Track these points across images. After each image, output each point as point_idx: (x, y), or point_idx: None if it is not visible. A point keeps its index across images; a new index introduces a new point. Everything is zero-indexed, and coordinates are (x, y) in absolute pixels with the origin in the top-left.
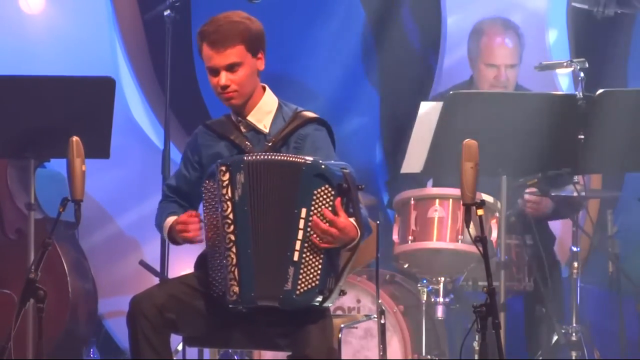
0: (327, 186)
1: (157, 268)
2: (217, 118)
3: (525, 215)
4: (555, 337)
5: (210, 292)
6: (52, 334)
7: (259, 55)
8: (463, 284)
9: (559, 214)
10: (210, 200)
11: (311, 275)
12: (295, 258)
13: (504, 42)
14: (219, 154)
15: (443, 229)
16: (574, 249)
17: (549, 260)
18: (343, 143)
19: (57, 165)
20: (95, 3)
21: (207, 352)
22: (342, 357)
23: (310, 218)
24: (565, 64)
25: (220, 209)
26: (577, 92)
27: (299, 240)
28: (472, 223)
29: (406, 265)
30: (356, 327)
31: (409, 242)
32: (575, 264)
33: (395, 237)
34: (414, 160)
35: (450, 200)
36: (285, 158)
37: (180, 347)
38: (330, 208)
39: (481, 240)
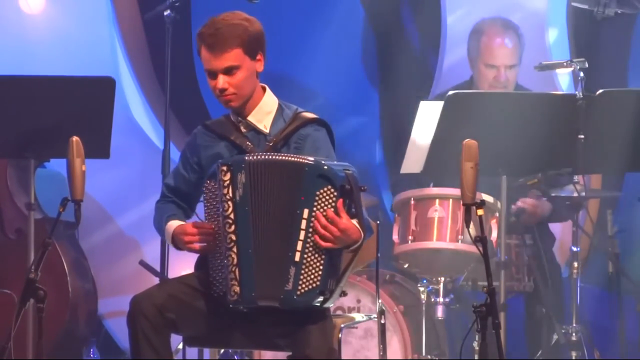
0: (329, 187)
1: (157, 268)
2: (216, 118)
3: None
4: (555, 337)
5: (210, 292)
6: (52, 334)
7: (258, 57)
8: (463, 284)
9: (558, 216)
10: (211, 201)
11: (312, 276)
12: (297, 258)
13: (503, 42)
14: (219, 155)
15: (443, 229)
16: (574, 249)
17: (548, 260)
18: (343, 143)
19: (57, 165)
20: (95, 3)
21: (207, 352)
22: (342, 357)
23: (313, 219)
24: (565, 64)
25: (221, 209)
26: (577, 92)
27: (301, 240)
28: (472, 223)
29: (406, 265)
30: (356, 327)
31: (409, 242)
32: (575, 264)
33: (395, 237)
34: (414, 160)
35: (450, 200)
36: (288, 158)
37: (180, 347)
38: (332, 209)
39: (481, 240)
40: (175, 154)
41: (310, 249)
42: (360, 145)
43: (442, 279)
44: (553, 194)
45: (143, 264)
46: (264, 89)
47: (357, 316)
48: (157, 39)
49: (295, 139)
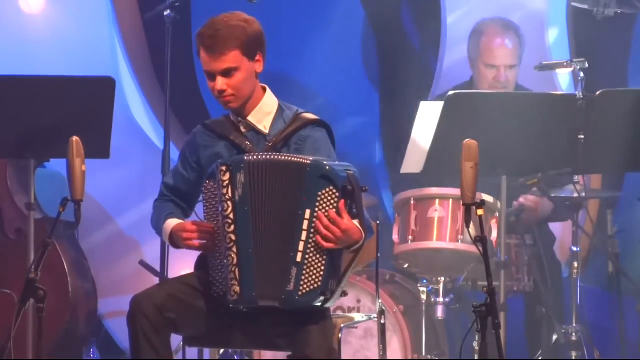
0: (331, 187)
1: (157, 268)
2: (216, 118)
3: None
4: (555, 337)
5: (210, 292)
6: (52, 334)
7: (257, 58)
8: (463, 284)
9: (558, 216)
10: (211, 201)
11: (314, 276)
12: (298, 259)
13: (503, 42)
14: (218, 154)
15: (443, 229)
16: (574, 249)
17: (549, 260)
18: (343, 143)
19: (57, 165)
20: (95, 3)
21: (207, 352)
22: (342, 357)
23: (314, 219)
24: (565, 64)
25: (220, 209)
26: (577, 92)
27: (302, 241)
28: (472, 223)
29: (406, 265)
30: (356, 327)
31: (409, 242)
32: (575, 264)
33: (395, 237)
34: (414, 160)
35: (450, 200)
36: (288, 158)
37: (180, 347)
38: (334, 209)
39: (481, 240)
40: (175, 154)
41: (312, 249)
42: (360, 145)
43: (442, 279)
44: (553, 194)
45: (143, 264)
46: (264, 90)
47: (357, 316)
48: (157, 39)
49: (296, 140)
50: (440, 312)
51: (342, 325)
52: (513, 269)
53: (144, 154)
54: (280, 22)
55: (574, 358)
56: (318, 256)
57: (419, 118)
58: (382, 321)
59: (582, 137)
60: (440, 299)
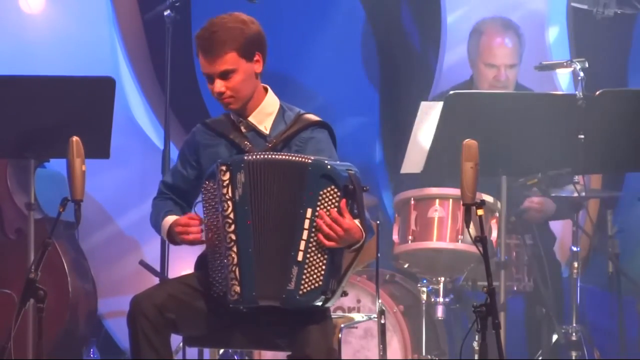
0: (333, 187)
1: (157, 268)
2: (216, 117)
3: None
4: (555, 337)
5: (210, 292)
6: (52, 334)
7: (256, 58)
8: (463, 284)
9: (559, 214)
10: (210, 201)
11: (315, 276)
12: (299, 258)
13: (503, 42)
14: (218, 153)
15: (443, 229)
16: (574, 249)
17: (549, 260)
18: (343, 143)
19: (57, 165)
20: (95, 3)
21: (207, 352)
22: (342, 357)
23: (316, 218)
24: (565, 63)
25: (220, 209)
26: (577, 92)
27: (304, 240)
28: (472, 223)
29: (406, 265)
30: (356, 327)
31: (409, 242)
32: (575, 264)
33: (395, 237)
34: (414, 160)
35: (450, 200)
36: (289, 158)
37: (180, 347)
38: (336, 209)
39: (481, 240)
40: (175, 154)
41: (313, 248)
42: (360, 145)
43: (442, 279)
44: (553, 194)
45: (143, 264)
46: (265, 90)
47: (357, 316)
48: (157, 39)
49: (297, 142)
50: (440, 312)
51: (342, 325)
52: (513, 269)
53: (144, 154)
54: (280, 22)
55: (574, 358)
56: (319, 255)
57: (419, 118)
58: (382, 321)
59: (582, 137)
60: (440, 299)
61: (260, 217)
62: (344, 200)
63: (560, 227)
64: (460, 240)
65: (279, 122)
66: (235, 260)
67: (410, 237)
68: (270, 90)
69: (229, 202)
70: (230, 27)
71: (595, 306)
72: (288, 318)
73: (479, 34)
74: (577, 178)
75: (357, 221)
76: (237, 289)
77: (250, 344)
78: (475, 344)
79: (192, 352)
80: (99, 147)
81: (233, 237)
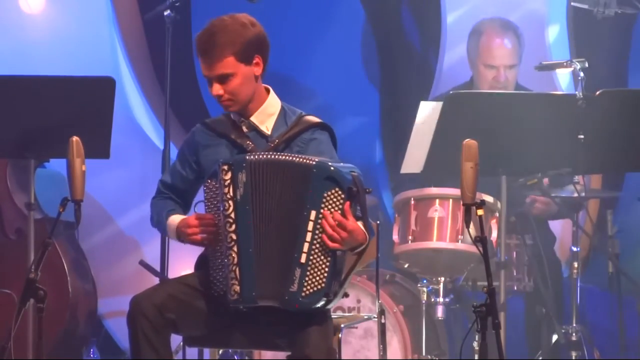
0: (337, 189)
1: (157, 268)
2: (216, 117)
3: (529, 215)
4: (555, 337)
5: (211, 291)
6: (52, 334)
7: (255, 61)
8: (463, 284)
9: (560, 213)
10: (212, 200)
11: (317, 278)
12: (302, 260)
13: (502, 42)
14: (218, 153)
15: (443, 229)
16: (574, 249)
17: (549, 260)
18: (343, 143)
19: (57, 165)
20: (95, 3)
21: (207, 352)
22: (342, 357)
23: (320, 220)
24: (565, 64)
25: (222, 208)
26: (577, 92)
27: (307, 242)
28: (472, 223)
29: (406, 265)
30: (356, 327)
31: (409, 242)
32: (575, 264)
33: (395, 237)
34: (414, 160)
35: (450, 200)
36: (292, 159)
37: (180, 347)
38: (339, 211)
39: (481, 240)
40: (175, 154)
41: (316, 250)
42: (360, 145)
43: (442, 279)
44: (553, 194)
45: (143, 264)
46: (267, 91)
47: (357, 316)
48: (157, 39)
49: (298, 143)
50: (440, 312)
51: (342, 325)
52: (513, 269)
53: (144, 154)
54: (280, 22)
55: (574, 358)
56: (322, 257)
57: (419, 118)
58: (382, 321)
59: (582, 137)
60: (440, 299)
61: (262, 217)
62: (348, 203)
63: (560, 227)
64: (460, 240)
65: (281, 123)
66: (236, 259)
67: (410, 237)
68: (272, 91)
69: (230, 202)
70: (229, 31)
71: (595, 306)
72: (288, 318)
73: (478, 35)
74: (577, 178)
75: (360, 223)
76: (237, 288)
77: (250, 344)
78: (475, 344)
79: (192, 352)
80: (99, 147)
81: (234, 236)
